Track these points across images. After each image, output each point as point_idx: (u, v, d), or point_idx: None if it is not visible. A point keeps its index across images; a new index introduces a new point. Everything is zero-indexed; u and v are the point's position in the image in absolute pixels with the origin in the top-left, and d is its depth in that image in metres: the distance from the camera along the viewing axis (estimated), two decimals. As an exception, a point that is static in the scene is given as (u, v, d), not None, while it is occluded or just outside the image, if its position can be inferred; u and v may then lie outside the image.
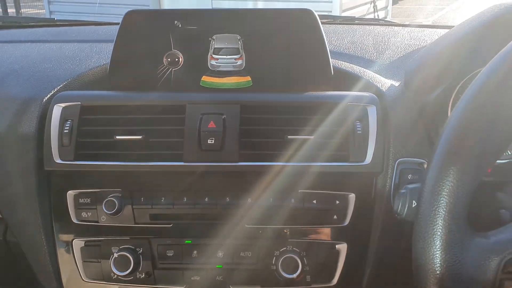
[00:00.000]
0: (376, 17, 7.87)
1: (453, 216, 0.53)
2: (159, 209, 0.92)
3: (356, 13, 7.82)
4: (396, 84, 0.98)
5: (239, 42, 1.01)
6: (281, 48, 1.00)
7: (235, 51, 1.02)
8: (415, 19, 10.04)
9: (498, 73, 0.53)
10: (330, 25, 1.42)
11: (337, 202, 0.91)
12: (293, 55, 0.99)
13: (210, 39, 1.02)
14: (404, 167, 0.88)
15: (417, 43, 1.19)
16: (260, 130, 0.92)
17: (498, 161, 0.96)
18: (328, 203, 0.91)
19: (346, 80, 1.02)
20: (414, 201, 0.69)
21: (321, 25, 0.99)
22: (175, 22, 1.01)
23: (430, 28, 1.35)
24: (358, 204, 0.91)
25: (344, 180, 0.91)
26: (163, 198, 0.92)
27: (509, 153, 0.96)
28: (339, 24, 1.44)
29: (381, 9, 8.80)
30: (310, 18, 0.98)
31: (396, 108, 0.92)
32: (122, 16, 1.00)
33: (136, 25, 1.01)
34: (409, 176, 0.88)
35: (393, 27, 1.37)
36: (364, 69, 1.03)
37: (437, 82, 0.89)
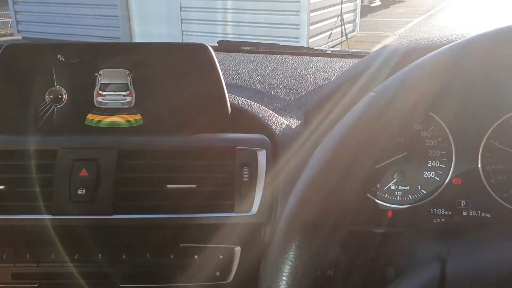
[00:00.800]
0: (344, 31, 8.03)
1: None
2: (22, 267, 0.81)
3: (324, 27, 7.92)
4: (295, 124, 0.91)
5: (128, 78, 0.93)
6: (173, 85, 0.92)
7: (124, 87, 0.93)
8: (384, 32, 10.24)
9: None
10: (252, 54, 1.36)
11: (221, 256, 0.82)
12: (186, 92, 0.92)
13: (96, 74, 0.93)
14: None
15: (328, 77, 1.12)
16: (138, 179, 0.83)
17: (395, 206, 0.90)
18: (211, 258, 0.81)
19: (246, 119, 0.94)
20: None
21: (216, 61, 0.91)
22: (59, 56, 0.93)
23: (347, 58, 1.29)
24: (244, 258, 0.82)
25: (229, 232, 0.82)
26: (28, 255, 0.81)
27: (410, 197, 0.90)
28: (261, 53, 1.38)
29: (349, 22, 8.96)
30: (205, 53, 0.91)
31: (290, 151, 0.84)
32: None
33: (16, 59, 0.92)
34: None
35: (311, 57, 1.31)
36: (264, 108, 0.96)
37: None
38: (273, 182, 0.82)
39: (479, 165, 0.89)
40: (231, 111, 0.92)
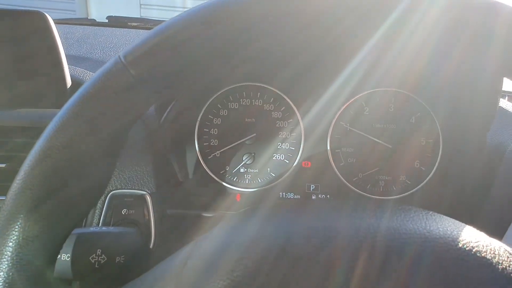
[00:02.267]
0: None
1: None
2: None
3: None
4: None
5: None
6: (4, 53, 0.84)
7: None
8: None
9: None
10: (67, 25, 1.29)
11: None
12: (19, 62, 0.84)
13: None
14: (119, 202, 0.74)
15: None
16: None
17: (243, 189, 0.85)
18: None
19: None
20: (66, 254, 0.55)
21: (54, 31, 0.84)
22: None
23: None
24: None
25: None
26: None
27: (259, 180, 0.86)
28: (149, 29, 1.31)
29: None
30: (41, 22, 0.84)
31: None
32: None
33: None
34: (123, 211, 0.74)
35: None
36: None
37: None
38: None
39: (328, 148, 0.86)
40: (73, 84, 0.86)
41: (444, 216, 0.41)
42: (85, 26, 1.30)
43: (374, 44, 0.53)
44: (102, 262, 0.56)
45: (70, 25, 1.28)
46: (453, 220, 0.40)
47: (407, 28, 0.44)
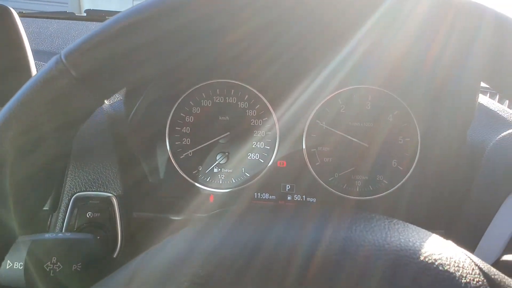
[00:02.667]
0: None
1: None
2: None
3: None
4: None
5: None
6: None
7: None
8: None
9: None
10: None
11: None
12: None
13: None
14: (83, 205, 0.72)
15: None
16: None
17: (216, 190, 0.83)
18: None
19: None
20: (18, 262, 0.53)
21: (19, 25, 0.81)
22: None
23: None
24: None
25: None
26: None
27: (233, 181, 0.83)
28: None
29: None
30: (4, 16, 0.80)
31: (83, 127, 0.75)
32: None
33: None
34: (88, 214, 0.72)
35: None
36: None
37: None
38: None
39: (304, 147, 0.84)
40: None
41: (409, 225, 0.38)
42: (62, 20, 1.27)
43: (352, 42, 0.50)
44: (57, 270, 0.54)
45: (46, 19, 1.24)
46: (418, 229, 0.38)
47: (385, 27, 0.41)
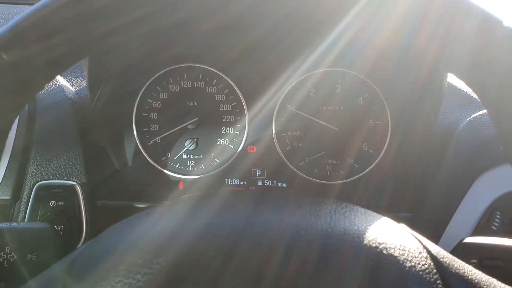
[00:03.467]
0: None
1: None
2: None
3: None
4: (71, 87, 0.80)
5: None
6: None
7: None
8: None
9: None
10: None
11: None
12: None
13: None
14: (46, 193, 0.70)
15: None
16: None
17: (186, 177, 0.82)
18: None
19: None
20: None
21: None
22: None
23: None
24: None
25: None
26: None
27: (203, 167, 0.82)
28: None
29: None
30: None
31: (46, 114, 0.73)
32: None
33: None
34: (52, 203, 0.70)
35: None
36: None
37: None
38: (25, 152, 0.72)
39: (273, 132, 0.83)
40: None
41: (359, 209, 0.37)
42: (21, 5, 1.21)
43: (321, 27, 0.49)
44: (11, 260, 0.53)
45: (12, 5, 1.20)
46: (367, 212, 0.37)
47: (355, 14, 0.40)
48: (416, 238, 0.34)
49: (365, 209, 0.36)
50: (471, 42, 0.34)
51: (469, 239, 0.49)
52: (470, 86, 0.38)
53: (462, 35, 0.34)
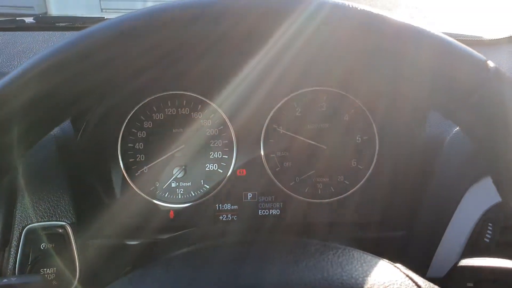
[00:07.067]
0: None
1: None
2: None
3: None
4: None
5: None
6: None
7: None
8: None
9: None
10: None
11: None
12: None
13: None
14: (36, 236, 0.69)
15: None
16: None
17: (176, 206, 0.81)
18: None
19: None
20: None
21: None
22: None
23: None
24: None
25: None
26: None
27: (193, 194, 0.81)
28: (79, 29, 1.19)
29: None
30: None
31: (29, 155, 0.72)
32: None
33: None
34: (42, 246, 0.69)
35: None
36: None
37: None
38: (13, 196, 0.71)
39: (262, 153, 0.82)
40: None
41: (354, 254, 0.37)
42: (7, 32, 1.20)
43: (299, 46, 0.48)
44: None
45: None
46: (363, 257, 0.37)
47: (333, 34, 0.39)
48: (412, 280, 0.34)
49: (361, 253, 0.36)
50: (457, 84, 0.34)
51: (464, 262, 0.49)
52: (457, 124, 0.38)
53: (449, 78, 0.34)
